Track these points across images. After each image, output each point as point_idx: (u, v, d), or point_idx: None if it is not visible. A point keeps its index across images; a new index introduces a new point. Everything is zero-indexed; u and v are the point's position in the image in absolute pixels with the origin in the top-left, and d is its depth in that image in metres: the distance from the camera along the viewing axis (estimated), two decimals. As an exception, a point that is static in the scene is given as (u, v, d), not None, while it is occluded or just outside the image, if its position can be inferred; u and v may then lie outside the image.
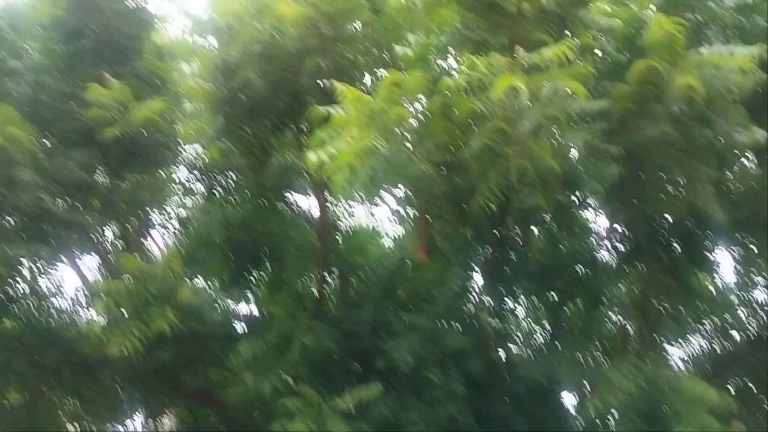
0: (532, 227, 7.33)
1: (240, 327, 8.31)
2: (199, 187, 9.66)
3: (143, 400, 10.25)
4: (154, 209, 9.58)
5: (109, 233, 9.31)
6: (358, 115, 5.50)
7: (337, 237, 10.09)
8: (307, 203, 10.01)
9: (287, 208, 9.58)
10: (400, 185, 6.12)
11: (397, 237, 9.85)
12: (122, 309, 7.15)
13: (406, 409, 7.20)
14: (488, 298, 8.15)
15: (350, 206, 10.51)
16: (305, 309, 9.37)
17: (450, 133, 6.00)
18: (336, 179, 5.43)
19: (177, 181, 9.73)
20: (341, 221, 10.26)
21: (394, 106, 5.57)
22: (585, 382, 7.22)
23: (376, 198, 8.83)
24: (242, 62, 7.26)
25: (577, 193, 6.50)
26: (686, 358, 10.14)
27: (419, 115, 5.75)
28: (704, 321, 9.90)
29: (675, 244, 7.75)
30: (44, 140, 7.68)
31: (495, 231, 7.15)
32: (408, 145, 5.70)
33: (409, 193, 6.17)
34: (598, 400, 6.32)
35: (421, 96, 5.85)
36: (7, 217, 7.19)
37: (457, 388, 7.20)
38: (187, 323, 7.16)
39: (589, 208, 7.63)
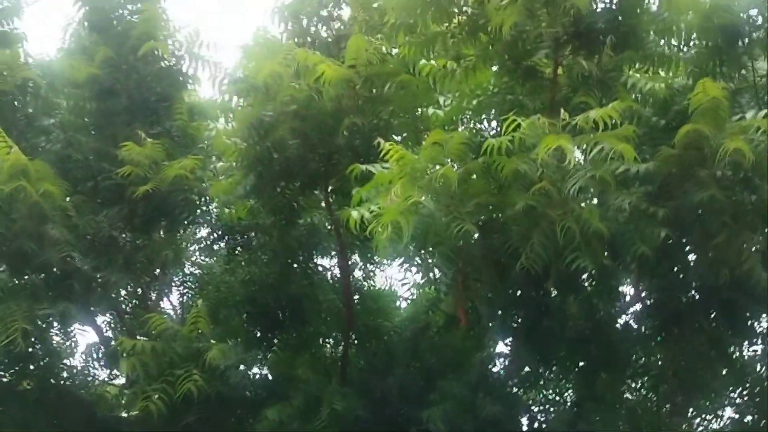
0: (570, 292, 7.14)
1: (264, 391, 8.03)
2: (223, 246, 9.53)
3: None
4: (176, 268, 9.44)
5: (127, 291, 9.10)
6: (402, 173, 5.44)
7: (361, 300, 9.95)
8: (331, 265, 9.92)
9: (312, 269, 9.45)
10: (438, 246, 5.96)
11: (425, 301, 9.67)
12: (147, 369, 6.92)
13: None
14: (522, 365, 7.89)
15: (375, 269, 10.40)
16: (329, 374, 9.11)
17: (491, 194, 5.94)
18: (379, 237, 5.33)
19: (201, 240, 9.62)
20: (366, 283, 10.10)
21: (438, 165, 5.52)
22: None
23: (409, 261, 8.68)
24: (278, 121, 7.27)
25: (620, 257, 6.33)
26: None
27: (461, 175, 5.67)
28: (740, 391, 9.59)
29: (714, 312, 7.59)
30: (74, 197, 7.62)
31: (532, 294, 6.98)
32: (450, 204, 5.60)
33: (448, 254, 6.01)
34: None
35: (462, 156, 5.79)
36: (35, 274, 7.06)
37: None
38: (214, 386, 6.94)
39: (627, 274, 7.45)
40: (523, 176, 5.66)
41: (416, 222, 5.32)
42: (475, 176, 5.85)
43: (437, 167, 5.53)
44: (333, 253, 9.47)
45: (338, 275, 9.65)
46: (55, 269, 7.15)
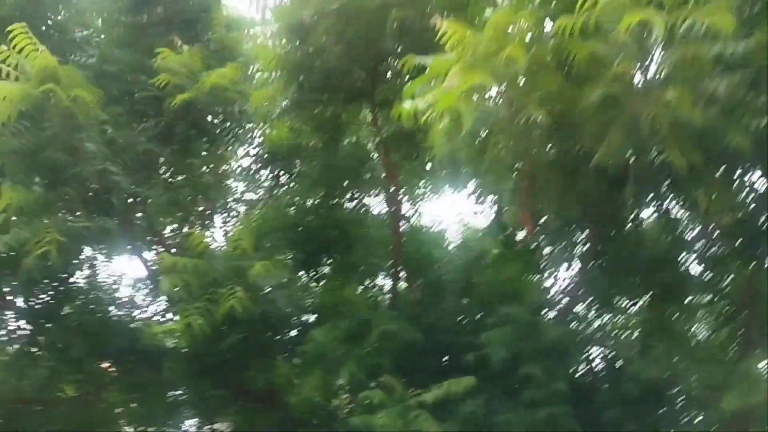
0: (649, 200, 6.39)
1: (309, 315, 7.62)
2: (265, 169, 9.05)
3: (200, 400, 9.68)
4: (218, 190, 9.02)
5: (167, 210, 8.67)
6: (463, 57, 4.78)
7: (409, 233, 9.44)
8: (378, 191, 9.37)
9: (358, 193, 8.91)
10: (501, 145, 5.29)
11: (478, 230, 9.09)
12: (188, 288, 6.55)
13: (499, 410, 6.38)
14: (589, 288, 7.25)
15: (424, 196, 9.82)
16: (377, 301, 8.66)
17: (562, 85, 5.23)
18: (436, 130, 4.73)
19: (242, 162, 9.18)
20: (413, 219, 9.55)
21: (502, 48, 4.83)
22: (713, 381, 6.23)
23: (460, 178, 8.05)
24: (319, 21, 6.66)
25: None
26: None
27: (528, 61, 4.98)
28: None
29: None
30: (110, 109, 7.18)
31: (604, 207, 6.29)
32: (515, 94, 4.94)
33: (513, 153, 5.35)
34: (734, 399, 5.39)
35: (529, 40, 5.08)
36: (69, 188, 6.67)
37: (559, 386, 6.35)
38: (259, 304, 6.53)
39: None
40: (600, 62, 4.94)
41: (477, 109, 4.68)
42: (542, 64, 5.14)
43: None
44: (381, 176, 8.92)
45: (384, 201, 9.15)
46: (90, 183, 6.76)
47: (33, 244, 6.21)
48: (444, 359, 7.05)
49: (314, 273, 8.65)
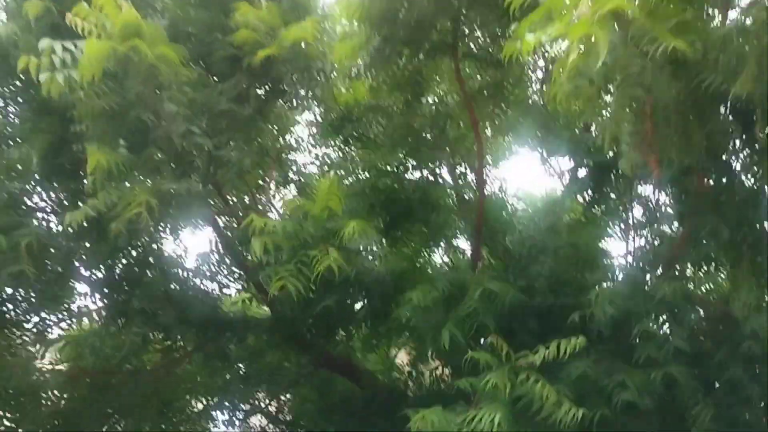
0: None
1: (401, 278, 7.32)
2: (342, 130, 8.76)
3: (279, 370, 9.55)
4: (297, 151, 8.79)
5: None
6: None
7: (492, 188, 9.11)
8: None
9: (439, 153, 8.57)
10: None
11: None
12: (279, 250, 6.32)
13: (611, 370, 6.03)
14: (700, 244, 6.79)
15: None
16: (466, 264, 8.34)
17: (694, 15, 4.81)
18: (563, 63, 4.35)
19: (319, 124, 8.89)
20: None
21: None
22: None
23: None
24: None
25: None
26: None
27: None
28: None
29: None
30: (189, 69, 6.92)
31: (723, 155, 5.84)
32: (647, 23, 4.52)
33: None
34: None
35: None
36: (155, 149, 6.47)
37: (675, 344, 5.97)
38: (353, 265, 6.27)
39: None
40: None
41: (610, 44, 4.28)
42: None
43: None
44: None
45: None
46: (175, 145, 6.55)
47: (122, 207, 6.04)
48: (546, 320, 6.70)
49: (396, 237, 8.36)
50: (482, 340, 6.32)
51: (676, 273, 6.84)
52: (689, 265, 7.03)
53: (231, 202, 8.17)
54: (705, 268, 7.11)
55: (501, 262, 8.08)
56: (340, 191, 6.65)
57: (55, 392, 7.81)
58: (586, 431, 5.68)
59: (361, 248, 6.63)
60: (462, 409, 5.60)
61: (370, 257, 6.93)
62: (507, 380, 5.57)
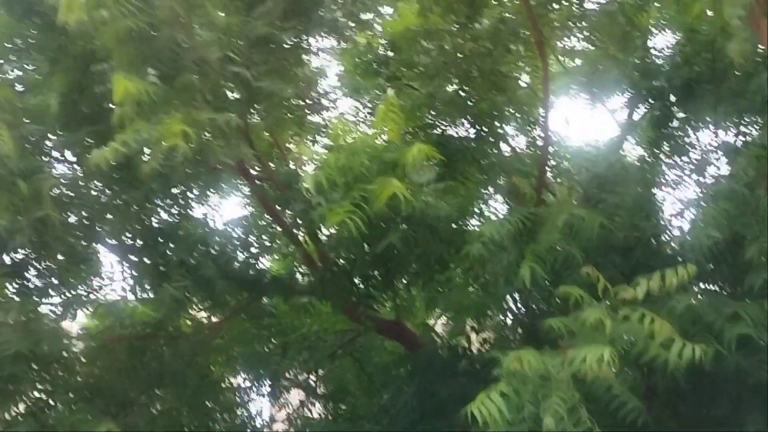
0: None
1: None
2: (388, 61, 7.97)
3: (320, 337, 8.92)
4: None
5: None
6: None
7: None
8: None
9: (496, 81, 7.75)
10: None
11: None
12: (333, 185, 5.60)
13: (720, 302, 5.28)
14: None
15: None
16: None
17: None
18: None
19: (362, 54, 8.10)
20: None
21: None
22: None
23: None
24: None
25: None
26: None
27: None
28: None
29: None
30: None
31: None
32: None
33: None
34: None
35: None
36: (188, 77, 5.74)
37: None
38: (419, 199, 5.55)
39: None
40: None
41: None
42: None
43: None
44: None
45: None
46: (210, 73, 5.82)
47: (154, 143, 5.34)
48: (632, 256, 5.96)
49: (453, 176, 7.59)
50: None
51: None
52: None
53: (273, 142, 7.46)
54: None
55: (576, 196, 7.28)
56: (398, 115, 5.83)
57: (89, 360, 7.17)
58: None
59: (425, 182, 5.86)
60: (556, 352, 4.88)
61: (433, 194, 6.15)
62: (608, 317, 4.84)
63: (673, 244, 5.97)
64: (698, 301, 5.30)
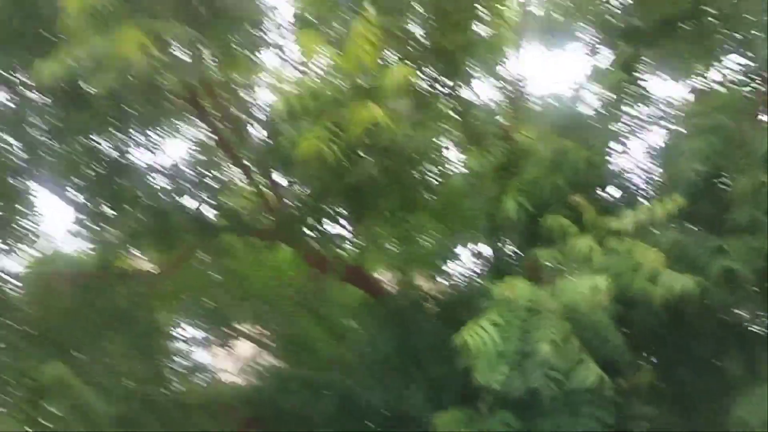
0: None
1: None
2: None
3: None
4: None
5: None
6: None
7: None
8: None
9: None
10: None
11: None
12: (305, 108, 5.15)
13: (705, 237, 5.16)
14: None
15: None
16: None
17: None
18: None
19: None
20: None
21: None
22: None
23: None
24: None
25: None
26: None
27: None
28: None
29: None
30: None
31: None
32: None
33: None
34: None
35: None
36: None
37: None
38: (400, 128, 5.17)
39: None
40: None
41: None
42: None
43: None
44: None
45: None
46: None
47: (112, 59, 4.77)
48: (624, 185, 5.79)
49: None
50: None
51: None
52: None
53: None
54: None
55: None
56: (374, 36, 5.37)
57: (33, 302, 6.60)
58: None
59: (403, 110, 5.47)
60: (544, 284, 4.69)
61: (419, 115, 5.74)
62: (597, 245, 4.67)
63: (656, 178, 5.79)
64: (682, 236, 5.17)
